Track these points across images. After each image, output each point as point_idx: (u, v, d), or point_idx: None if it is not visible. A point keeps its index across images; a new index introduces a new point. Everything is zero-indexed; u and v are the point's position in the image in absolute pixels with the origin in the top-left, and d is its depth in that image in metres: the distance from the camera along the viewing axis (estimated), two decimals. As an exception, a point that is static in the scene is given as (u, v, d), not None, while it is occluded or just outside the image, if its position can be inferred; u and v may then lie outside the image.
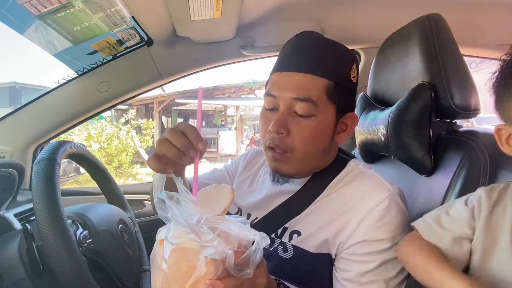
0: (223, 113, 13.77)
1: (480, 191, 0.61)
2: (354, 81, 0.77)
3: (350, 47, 1.47)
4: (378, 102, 1.03)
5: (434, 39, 0.80)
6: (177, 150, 0.58)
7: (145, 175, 8.09)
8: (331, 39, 0.78)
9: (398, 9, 1.31)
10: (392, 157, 0.93)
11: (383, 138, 0.91)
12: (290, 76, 0.73)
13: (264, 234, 0.53)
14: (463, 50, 0.83)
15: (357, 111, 1.10)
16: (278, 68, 0.76)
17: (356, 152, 1.18)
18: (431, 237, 0.63)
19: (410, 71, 0.86)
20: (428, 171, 0.81)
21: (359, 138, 1.08)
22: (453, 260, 0.62)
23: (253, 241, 0.53)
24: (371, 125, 0.98)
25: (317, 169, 0.80)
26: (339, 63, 0.75)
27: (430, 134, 0.79)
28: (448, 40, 0.81)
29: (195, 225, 0.51)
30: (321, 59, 0.73)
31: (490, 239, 0.57)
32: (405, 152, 0.84)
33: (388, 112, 0.89)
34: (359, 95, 1.12)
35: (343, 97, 0.74)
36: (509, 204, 0.57)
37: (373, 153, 1.05)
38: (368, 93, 1.09)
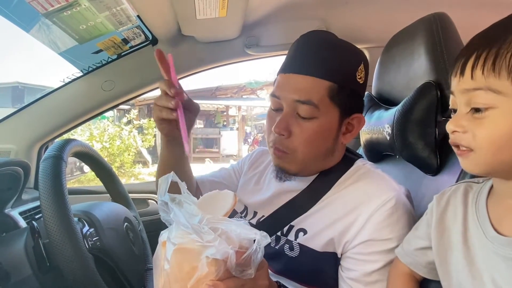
0: (225, 113, 13.77)
1: (434, 198, 0.62)
2: (361, 82, 0.76)
3: (355, 46, 1.48)
4: (383, 101, 1.03)
5: (440, 38, 0.79)
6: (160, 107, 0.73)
7: (147, 175, 8.10)
8: (339, 38, 0.77)
9: (403, 8, 1.31)
10: (397, 156, 0.93)
11: (388, 137, 0.91)
12: (292, 78, 0.73)
13: (265, 233, 0.54)
14: (468, 49, 0.82)
15: (361, 110, 1.10)
16: (282, 69, 0.76)
17: (360, 151, 1.18)
18: (400, 255, 0.66)
19: (416, 70, 0.85)
20: (434, 171, 0.81)
21: (363, 138, 1.08)
22: (423, 270, 0.64)
23: (254, 241, 0.54)
24: (376, 124, 0.98)
25: (322, 169, 0.80)
26: (344, 64, 0.74)
27: (436, 133, 0.79)
28: (454, 39, 0.80)
29: (197, 226, 0.51)
30: (323, 61, 0.72)
31: (445, 244, 0.57)
32: (410, 151, 0.84)
33: (393, 111, 0.89)
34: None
35: (347, 99, 0.73)
36: (459, 206, 0.56)
37: (378, 153, 1.05)
38: (373, 92, 1.09)
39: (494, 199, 0.53)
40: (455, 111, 0.51)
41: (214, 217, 0.55)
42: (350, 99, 0.74)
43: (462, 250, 0.53)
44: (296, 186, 0.81)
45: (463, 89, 0.48)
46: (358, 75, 0.75)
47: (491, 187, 0.54)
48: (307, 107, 0.71)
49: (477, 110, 0.47)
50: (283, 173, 0.79)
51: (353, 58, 0.75)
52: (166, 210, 0.55)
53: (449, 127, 0.50)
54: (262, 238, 0.53)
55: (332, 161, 0.80)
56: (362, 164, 0.80)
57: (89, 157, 1.05)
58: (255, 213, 0.87)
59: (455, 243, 0.55)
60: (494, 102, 0.45)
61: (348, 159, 0.82)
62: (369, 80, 1.13)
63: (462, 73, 0.48)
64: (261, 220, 0.83)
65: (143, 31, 1.26)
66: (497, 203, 0.52)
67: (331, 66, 0.72)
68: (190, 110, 0.79)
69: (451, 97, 0.52)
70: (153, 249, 0.58)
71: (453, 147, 0.51)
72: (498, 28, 0.48)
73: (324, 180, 0.79)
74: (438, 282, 0.60)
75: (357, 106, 0.78)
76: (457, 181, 0.73)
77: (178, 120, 0.72)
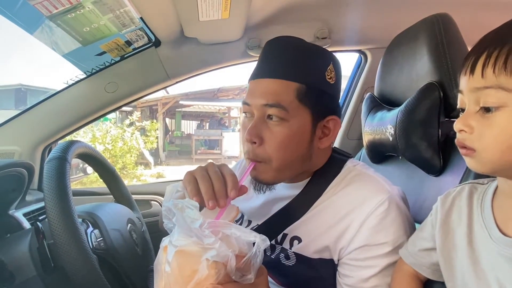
0: (226, 114, 13.79)
1: (438, 200, 0.62)
2: (332, 83, 0.74)
3: (357, 48, 1.48)
4: (385, 102, 1.03)
5: (442, 39, 0.80)
6: (212, 192, 0.60)
7: (149, 176, 8.11)
8: (305, 41, 0.76)
9: (404, 10, 1.31)
10: (400, 157, 0.93)
11: (391, 138, 0.91)
12: (261, 82, 0.73)
13: (264, 236, 0.54)
14: (471, 50, 0.83)
15: (364, 111, 1.10)
16: (252, 76, 0.76)
17: (363, 152, 1.18)
18: (404, 255, 0.66)
19: (418, 71, 0.86)
20: (437, 171, 0.81)
21: (366, 138, 1.08)
22: (427, 271, 0.64)
23: (254, 245, 0.54)
24: (379, 125, 0.98)
25: (303, 173, 0.78)
26: (311, 65, 0.73)
27: (439, 134, 0.79)
28: (456, 40, 0.81)
29: (198, 229, 0.52)
30: (289, 63, 0.72)
31: (450, 245, 0.57)
32: (413, 152, 0.84)
33: (396, 112, 0.89)
34: (366, 95, 1.12)
35: (317, 100, 0.72)
36: (464, 207, 0.56)
37: (380, 153, 1.05)
38: (375, 93, 1.09)
39: (500, 200, 0.52)
40: (463, 110, 0.51)
41: (215, 220, 0.55)
42: (321, 100, 0.73)
43: (467, 251, 0.53)
44: (287, 193, 0.80)
45: (473, 87, 0.48)
46: (328, 75, 0.73)
47: (496, 188, 0.54)
48: (275, 110, 0.70)
49: (486, 109, 0.47)
50: (260, 184, 0.77)
51: (321, 58, 0.75)
52: (169, 216, 0.56)
53: (457, 126, 0.50)
54: (262, 241, 0.53)
55: (311, 166, 0.78)
56: (353, 166, 0.78)
57: (92, 159, 1.05)
58: (249, 222, 0.86)
59: (459, 244, 0.55)
60: (505, 100, 0.45)
61: (337, 161, 0.80)
62: (372, 81, 1.14)
63: (472, 71, 0.48)
64: (254, 228, 0.82)
65: (146, 33, 1.26)
66: (503, 204, 0.52)
67: (297, 67, 0.72)
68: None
69: (460, 96, 0.52)
70: (156, 250, 0.59)
71: (458, 148, 0.51)
72: (510, 27, 0.48)
73: (315, 185, 0.78)
74: (442, 283, 0.60)
75: (330, 108, 0.76)
76: (460, 182, 0.73)
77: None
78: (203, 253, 0.50)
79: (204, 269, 0.50)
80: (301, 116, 0.71)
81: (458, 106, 0.53)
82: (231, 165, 1.07)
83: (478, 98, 0.47)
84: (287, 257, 0.75)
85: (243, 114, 0.78)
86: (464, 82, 0.50)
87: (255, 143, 0.71)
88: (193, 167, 0.91)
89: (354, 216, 0.70)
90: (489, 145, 0.46)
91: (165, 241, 0.56)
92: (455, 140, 0.52)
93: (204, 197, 0.60)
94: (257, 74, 0.75)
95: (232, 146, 11.75)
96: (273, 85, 0.71)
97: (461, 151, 0.51)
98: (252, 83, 0.75)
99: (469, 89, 0.49)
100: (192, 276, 0.50)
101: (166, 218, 0.57)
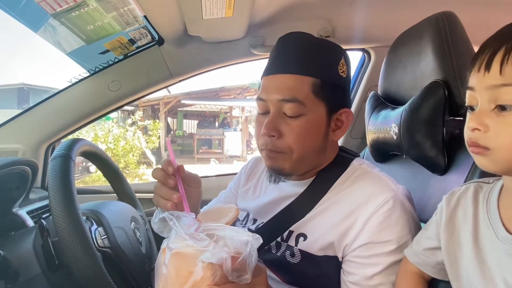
0: (228, 114, 13.79)
1: (443, 199, 0.61)
2: (344, 76, 0.76)
3: (361, 46, 1.48)
4: (389, 100, 1.03)
5: (448, 37, 0.79)
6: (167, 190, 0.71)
7: (151, 176, 8.12)
8: (315, 37, 0.78)
9: (408, 8, 1.30)
10: (404, 156, 0.93)
11: (395, 137, 0.91)
12: (276, 78, 0.74)
13: (257, 235, 0.54)
14: (476, 49, 0.82)
15: (367, 110, 1.10)
16: (266, 72, 0.77)
17: (367, 151, 1.17)
18: (409, 254, 0.66)
19: (423, 69, 0.85)
20: (442, 170, 0.81)
21: (370, 137, 1.07)
22: (432, 270, 0.64)
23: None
24: (383, 124, 0.98)
25: (314, 168, 0.79)
26: (324, 59, 0.75)
27: (444, 132, 0.79)
28: (462, 38, 0.80)
29: (193, 232, 0.53)
30: (304, 58, 0.74)
31: (455, 245, 0.57)
32: (417, 151, 0.84)
33: (400, 110, 0.88)
34: (370, 94, 1.12)
35: (332, 93, 0.74)
36: (470, 206, 0.56)
37: (384, 152, 1.04)
38: (379, 92, 1.09)
39: (506, 199, 0.52)
40: (471, 108, 0.50)
41: (210, 224, 0.57)
42: (335, 93, 0.75)
43: (472, 250, 0.53)
44: (293, 191, 0.81)
45: (488, 85, 0.46)
46: (340, 69, 0.75)
47: (502, 187, 0.54)
48: (292, 105, 0.72)
49: (502, 107, 0.45)
50: (277, 173, 0.78)
51: (333, 53, 0.76)
52: (164, 229, 0.58)
53: (471, 124, 0.48)
54: (255, 240, 0.54)
55: (324, 160, 0.80)
56: (359, 165, 0.79)
57: (96, 157, 1.05)
58: (254, 220, 0.87)
59: (465, 243, 0.55)
60: None
61: (344, 160, 0.81)
62: (375, 80, 1.14)
63: (487, 68, 0.45)
64: (259, 226, 0.83)
65: (149, 32, 1.26)
66: (509, 203, 0.51)
67: (312, 62, 0.73)
68: (190, 184, 0.77)
69: (470, 93, 0.49)
70: (159, 249, 0.60)
71: (469, 146, 0.50)
72: None
73: (321, 183, 0.78)
74: (447, 282, 0.60)
75: (343, 101, 0.78)
76: (465, 181, 0.72)
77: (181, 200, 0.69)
78: (198, 256, 0.51)
79: (199, 271, 0.51)
80: (317, 109, 0.73)
81: (466, 104, 0.51)
82: (233, 164, 1.07)
83: (494, 96, 0.45)
84: (292, 255, 0.76)
85: (253, 111, 0.80)
86: (477, 79, 0.47)
87: (273, 136, 0.73)
88: (194, 166, 0.92)
89: (359, 214, 0.70)
90: (505, 144, 0.45)
91: (164, 243, 0.57)
92: (466, 139, 0.50)
93: (166, 201, 0.69)
94: (271, 70, 0.76)
95: (234, 146, 11.76)
96: (288, 80, 0.72)
97: (473, 149, 0.49)
98: (266, 79, 0.76)
99: (483, 86, 0.46)
100: (188, 278, 0.51)
101: (163, 232, 0.59)
